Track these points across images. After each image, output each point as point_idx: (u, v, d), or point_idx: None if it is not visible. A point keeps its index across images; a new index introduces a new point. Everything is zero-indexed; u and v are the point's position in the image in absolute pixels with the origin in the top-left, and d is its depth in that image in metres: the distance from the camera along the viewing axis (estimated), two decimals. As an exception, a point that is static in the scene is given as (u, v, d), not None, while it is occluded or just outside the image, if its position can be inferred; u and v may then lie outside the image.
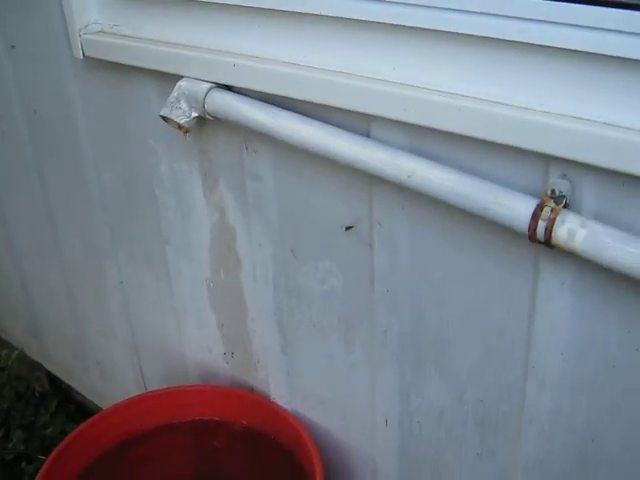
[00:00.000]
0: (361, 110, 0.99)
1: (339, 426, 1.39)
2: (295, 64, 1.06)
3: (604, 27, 0.78)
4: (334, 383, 1.34)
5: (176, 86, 1.18)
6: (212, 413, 1.55)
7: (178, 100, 1.18)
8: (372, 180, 1.06)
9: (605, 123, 0.82)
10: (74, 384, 2.23)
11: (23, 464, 2.10)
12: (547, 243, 0.86)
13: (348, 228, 1.13)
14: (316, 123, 1.04)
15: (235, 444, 1.56)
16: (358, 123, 1.03)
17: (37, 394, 2.29)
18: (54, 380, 2.33)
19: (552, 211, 0.85)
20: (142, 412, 1.55)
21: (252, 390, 1.54)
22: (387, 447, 1.31)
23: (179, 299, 1.56)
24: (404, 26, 0.93)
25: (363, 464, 1.39)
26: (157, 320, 1.67)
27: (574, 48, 0.81)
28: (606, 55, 0.80)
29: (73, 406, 2.32)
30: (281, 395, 1.47)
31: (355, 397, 1.32)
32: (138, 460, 1.58)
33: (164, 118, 1.20)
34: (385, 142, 1.01)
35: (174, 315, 1.60)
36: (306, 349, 1.35)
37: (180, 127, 1.20)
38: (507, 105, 0.87)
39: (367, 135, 1.03)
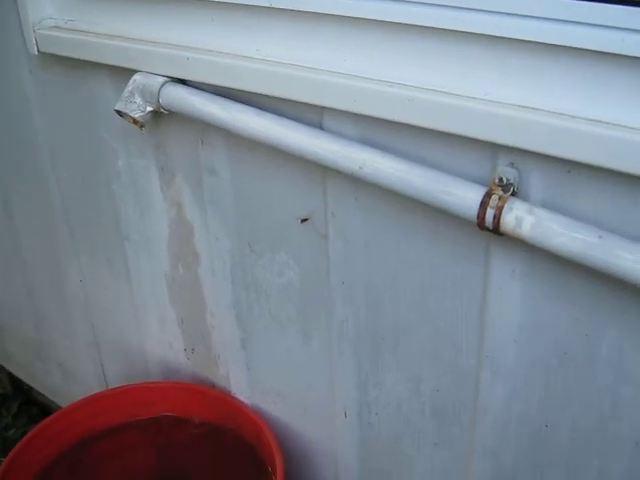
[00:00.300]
0: (313, 102, 1.00)
1: (299, 419, 1.40)
2: (248, 57, 1.06)
3: (548, 16, 0.80)
4: (293, 376, 1.35)
5: (130, 80, 1.18)
6: (173, 409, 1.54)
7: (132, 94, 1.17)
8: (325, 172, 1.07)
9: (550, 112, 0.83)
10: (36, 385, 2.21)
11: (-16, 466, 2.08)
12: (496, 231, 0.88)
13: (303, 220, 1.14)
14: (269, 116, 1.05)
15: (197, 440, 1.56)
16: (311, 115, 1.04)
17: (-2, 396, 2.28)
18: (15, 381, 2.31)
19: (500, 199, 0.87)
20: (103, 409, 1.54)
21: (213, 386, 1.54)
22: (347, 438, 1.32)
23: (139, 296, 1.56)
24: (353, 17, 0.94)
25: (323, 456, 1.40)
26: (118, 318, 1.67)
27: (520, 37, 0.83)
28: (552, 44, 0.81)
29: (35, 408, 2.31)
30: (241, 390, 1.47)
31: (314, 390, 1.33)
32: (99, 458, 1.57)
33: (119, 112, 1.20)
34: (337, 134, 1.01)
35: (134, 312, 1.60)
36: (265, 343, 1.35)
37: (135, 121, 1.19)
38: (454, 95, 0.88)
39: (320, 127, 1.04)
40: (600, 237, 0.82)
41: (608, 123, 0.80)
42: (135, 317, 1.61)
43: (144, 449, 1.59)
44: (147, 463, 1.61)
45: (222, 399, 1.50)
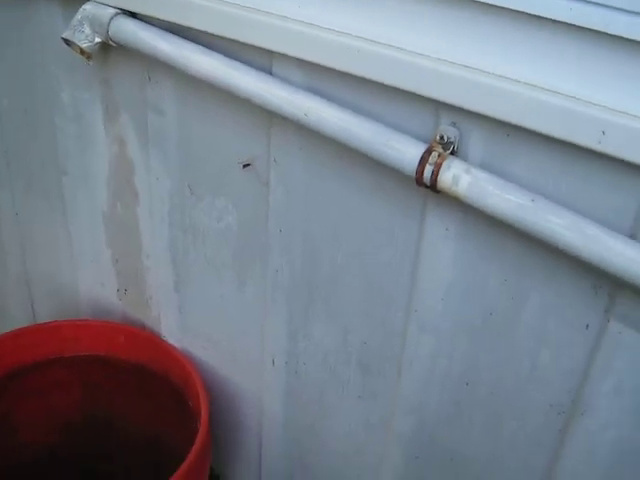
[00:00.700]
0: (263, 46, 1.00)
1: (228, 365, 1.41)
2: (202, -5, 1.05)
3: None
4: (225, 322, 1.35)
5: (80, 9, 1.15)
6: (102, 348, 1.53)
7: (82, 24, 1.15)
8: (271, 119, 1.07)
9: (494, 74, 0.85)
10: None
11: None
12: (433, 187, 0.89)
13: (245, 165, 1.14)
14: (218, 56, 1.04)
15: (124, 380, 1.55)
16: (261, 60, 1.03)
17: None
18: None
19: (439, 156, 0.88)
20: (29, 344, 1.52)
21: (144, 327, 1.54)
22: (273, 387, 1.34)
23: (75, 232, 1.54)
24: (308, -37, 0.94)
25: (250, 403, 1.42)
26: (51, 254, 1.64)
27: (470, -3, 0.84)
28: (500, 7, 0.82)
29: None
30: (172, 333, 1.47)
31: (245, 337, 1.34)
32: (23, 393, 1.55)
33: (66, 41, 1.17)
34: (286, 80, 1.01)
35: (69, 249, 1.58)
36: (199, 287, 1.35)
37: (82, 52, 1.17)
38: (404, 50, 0.89)
39: (269, 72, 1.03)
40: (533, 200, 0.84)
41: (549, 90, 0.82)
42: (69, 254, 1.59)
43: (70, 386, 1.58)
44: (72, 400, 1.59)
45: (152, 341, 1.50)
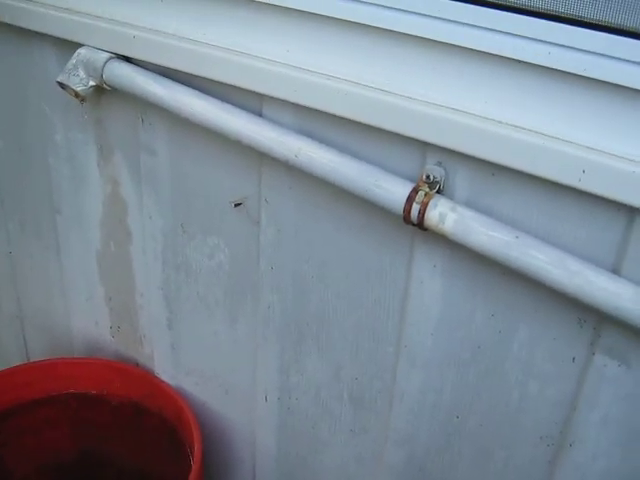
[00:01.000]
0: (254, 89, 1.02)
1: (221, 401, 1.42)
2: (194, 40, 1.08)
3: (479, 24, 0.84)
4: (217, 358, 1.37)
5: (75, 53, 1.18)
6: (95, 387, 1.54)
7: (76, 67, 1.18)
8: (262, 158, 1.10)
9: (480, 116, 0.88)
10: (-45, 357, 2.17)
11: None
12: (420, 225, 0.92)
13: (237, 205, 1.16)
14: (210, 99, 1.06)
15: (118, 418, 1.56)
16: (251, 102, 1.06)
17: None
18: None
19: (425, 195, 0.91)
20: (22, 383, 1.52)
21: (137, 365, 1.55)
22: (266, 422, 1.35)
23: (68, 271, 1.55)
24: (297, 10, 0.97)
25: (243, 438, 1.42)
26: (44, 292, 1.66)
27: (453, 42, 0.87)
28: (484, 52, 0.85)
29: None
30: (165, 370, 1.48)
31: (237, 373, 1.35)
32: (16, 432, 1.55)
33: (61, 85, 1.20)
34: (275, 122, 1.04)
35: (62, 287, 1.59)
36: (192, 324, 1.37)
37: (77, 95, 1.20)
38: (391, 93, 0.92)
39: (259, 114, 1.06)
40: (517, 237, 0.87)
41: (531, 130, 0.85)
42: (62, 292, 1.61)
43: (63, 424, 1.58)
44: (66, 439, 1.60)
45: (145, 378, 1.50)
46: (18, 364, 1.57)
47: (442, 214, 0.89)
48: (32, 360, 1.81)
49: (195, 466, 1.28)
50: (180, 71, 1.10)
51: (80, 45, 1.19)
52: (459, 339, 1.03)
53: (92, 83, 1.18)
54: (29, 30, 1.27)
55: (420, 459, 1.17)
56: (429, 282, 1.01)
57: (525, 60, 0.83)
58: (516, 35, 0.82)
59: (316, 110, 0.98)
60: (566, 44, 0.80)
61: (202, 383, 1.43)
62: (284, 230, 1.13)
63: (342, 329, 1.15)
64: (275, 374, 1.28)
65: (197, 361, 1.41)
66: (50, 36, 1.25)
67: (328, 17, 0.96)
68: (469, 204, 0.92)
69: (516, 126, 0.86)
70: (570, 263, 0.84)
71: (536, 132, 0.84)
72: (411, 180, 0.93)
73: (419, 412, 1.12)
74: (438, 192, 0.92)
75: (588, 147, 0.82)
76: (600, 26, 0.79)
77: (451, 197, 0.93)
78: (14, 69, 1.39)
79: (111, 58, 1.16)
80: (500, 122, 0.87)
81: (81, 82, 1.19)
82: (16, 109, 1.44)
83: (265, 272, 1.19)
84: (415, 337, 1.06)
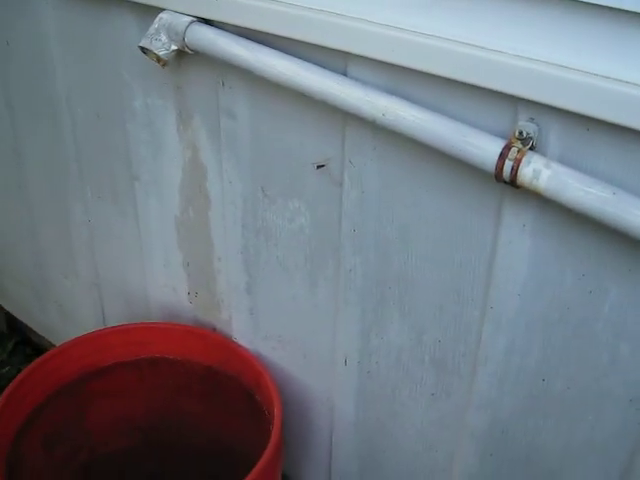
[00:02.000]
0: (339, 47, 1.01)
1: (299, 366, 1.43)
2: (276, 0, 1.07)
3: (580, -27, 0.82)
4: (296, 323, 1.37)
5: (157, 18, 1.19)
6: (173, 351, 1.56)
7: (158, 32, 1.18)
8: (345, 119, 1.09)
9: (574, 68, 0.85)
10: (32, 324, 2.23)
11: (-21, 401, 2.11)
12: (512, 183, 0.90)
13: (319, 167, 1.16)
14: (293, 59, 1.06)
15: (195, 383, 1.58)
16: (335, 62, 1.05)
17: (-6, 334, 2.30)
18: (12, 320, 2.33)
19: (519, 152, 0.89)
20: (101, 348, 1.55)
21: (215, 330, 1.56)
22: (345, 386, 1.35)
23: (146, 237, 1.58)
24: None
25: (321, 403, 1.43)
26: (122, 259, 1.69)
27: (549, -7, 0.85)
28: (581, 2, 0.83)
29: (30, 348, 2.33)
30: (243, 335, 1.50)
31: (316, 337, 1.35)
32: (95, 395, 1.58)
33: (143, 49, 1.21)
34: (360, 81, 1.03)
35: (140, 254, 1.62)
36: (270, 289, 1.38)
37: (159, 59, 1.20)
38: (480, 47, 0.90)
39: (344, 74, 1.05)
40: (614, 194, 0.84)
41: (629, 82, 0.82)
42: (140, 259, 1.63)
43: (141, 389, 1.61)
44: (144, 403, 1.63)
45: (223, 343, 1.52)
46: (97, 329, 1.60)
47: (536, 170, 0.87)
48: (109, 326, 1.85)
49: (275, 431, 1.29)
50: (262, 32, 1.10)
51: (161, 10, 1.20)
52: (547, 300, 1.01)
53: (174, 47, 1.19)
54: (109, -3, 1.29)
55: (503, 423, 1.15)
56: (518, 242, 1.00)
57: (621, 7, 0.80)
58: (616, -19, 0.80)
59: (403, 68, 0.97)
60: (670, -10, 0.77)
61: (280, 348, 1.44)
62: (367, 192, 1.12)
63: (425, 292, 1.14)
64: (355, 338, 1.28)
65: (275, 326, 1.42)
66: (129, 1, 1.26)
67: (415, -28, 0.94)
68: (563, 161, 0.89)
69: (611, 77, 0.83)
70: (671, 220, 0.82)
71: (633, 83, 0.82)
72: (502, 137, 0.92)
73: (503, 375, 1.11)
74: (531, 149, 0.90)
75: (691, 98, 0.79)
76: None
77: (544, 154, 0.91)
78: (93, 37, 1.41)
79: (193, 22, 1.16)
80: (595, 74, 0.84)
81: (163, 46, 1.19)
82: (94, 76, 1.46)
83: (347, 235, 1.18)
84: (501, 298, 1.05)
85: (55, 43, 1.48)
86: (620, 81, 0.83)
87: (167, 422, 1.64)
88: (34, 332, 2.26)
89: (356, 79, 1.04)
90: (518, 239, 1.00)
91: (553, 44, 0.87)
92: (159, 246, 1.56)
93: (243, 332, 1.49)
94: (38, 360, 1.50)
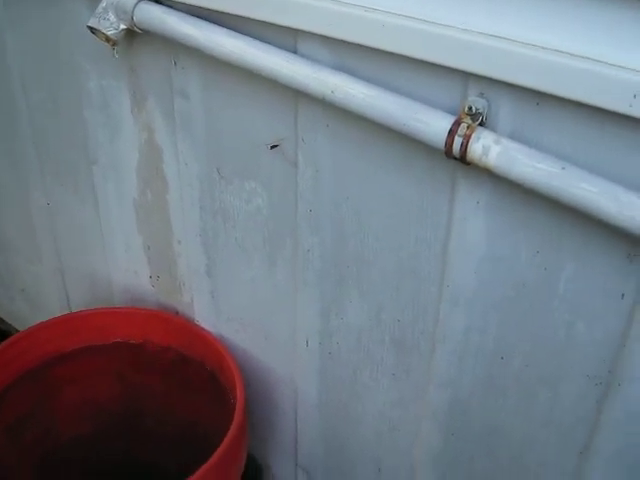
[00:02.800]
0: (287, 24, 1.00)
1: (261, 348, 1.42)
2: (224, -23, 1.06)
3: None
4: (257, 304, 1.36)
5: (104, -3, 1.16)
6: (136, 336, 1.55)
7: (106, 11, 1.16)
8: (297, 98, 1.07)
9: (523, 42, 0.84)
10: (-1, 312, 2.21)
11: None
12: (462, 159, 0.89)
13: (273, 147, 1.14)
14: (243, 37, 1.04)
15: (159, 367, 1.57)
16: (285, 39, 1.03)
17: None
18: (-23, 308, 2.30)
19: (468, 127, 0.88)
20: (65, 333, 1.54)
21: (177, 313, 1.55)
22: (307, 367, 1.34)
23: (106, 221, 1.56)
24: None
25: (284, 384, 1.42)
26: (84, 243, 1.67)
27: (495, -35, 0.83)
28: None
29: (-2, 336, 2.31)
30: (205, 318, 1.48)
31: (277, 318, 1.34)
32: (60, 380, 1.57)
33: (92, 29, 1.18)
34: (311, 59, 1.01)
35: (101, 238, 1.60)
36: (230, 271, 1.36)
37: (108, 39, 1.18)
38: (429, 22, 0.88)
39: (294, 51, 1.03)
40: (563, 168, 0.83)
41: (579, 56, 0.81)
42: (101, 243, 1.61)
43: (105, 373, 1.60)
44: (109, 387, 1.62)
45: (185, 326, 1.51)
46: (60, 314, 1.58)
47: (485, 146, 0.86)
48: (74, 311, 1.83)
49: (238, 412, 1.29)
50: (211, 10, 1.08)
51: (110, -12, 1.17)
52: (503, 277, 1.00)
53: (123, 26, 1.16)
54: (59, -25, 1.26)
55: (464, 402, 1.15)
56: (472, 219, 0.99)
57: (570, -19, 0.79)
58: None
59: (352, 44, 0.95)
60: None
61: (242, 330, 1.43)
62: (321, 171, 1.11)
63: (383, 270, 1.13)
64: (315, 318, 1.27)
65: (237, 308, 1.41)
66: (80, -19, 1.23)
67: (362, -54, 0.92)
68: (513, 136, 0.88)
69: (561, 51, 0.82)
70: (620, 194, 0.80)
71: (582, 57, 0.80)
72: (452, 113, 0.90)
73: (462, 353, 1.11)
74: (481, 124, 0.89)
75: (639, 70, 0.78)
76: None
77: (494, 129, 0.89)
78: (45, 18, 1.38)
79: (141, 0, 1.14)
80: (544, 48, 0.83)
81: (112, 26, 1.17)
82: (48, 59, 1.43)
83: (303, 215, 1.17)
84: (458, 276, 1.04)
85: (6, 27, 1.45)
86: (570, 54, 0.81)
87: (132, 406, 1.63)
88: (1, 320, 2.23)
89: (306, 56, 1.02)
90: (472, 216, 0.99)
91: (501, 17, 0.86)
92: (119, 230, 1.54)
93: (205, 315, 1.48)
94: (0, 346, 1.48)
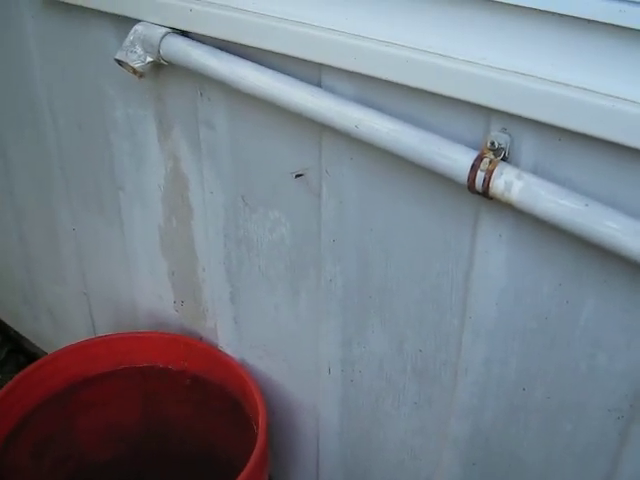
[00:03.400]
0: (312, 59, 1.01)
1: (284, 375, 1.43)
2: (250, 12, 1.07)
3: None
4: (280, 332, 1.37)
5: (132, 30, 1.18)
6: (160, 360, 1.56)
7: (133, 44, 1.18)
8: (322, 130, 1.08)
9: (546, 79, 0.85)
10: (23, 331, 2.23)
11: (-29, 409, 2.11)
12: (485, 194, 0.89)
13: (298, 175, 1.15)
14: (268, 71, 1.05)
15: (182, 392, 1.58)
16: (309, 72, 1.05)
17: (-15, 343, 2.30)
18: (3, 328, 2.33)
19: (490, 163, 0.88)
20: (89, 357, 1.56)
21: (201, 339, 1.56)
22: (329, 395, 1.35)
23: (131, 246, 1.57)
24: (355, -24, 0.95)
25: (306, 411, 1.43)
26: (109, 268, 1.69)
27: (517, 4, 0.84)
28: (548, 12, 0.82)
29: (23, 356, 2.33)
30: (228, 344, 1.50)
31: (299, 346, 1.35)
32: (84, 405, 1.59)
33: (119, 62, 1.21)
34: (335, 92, 1.03)
35: (126, 263, 1.62)
36: (253, 298, 1.37)
37: (135, 71, 1.20)
38: (452, 58, 0.90)
39: (318, 85, 1.05)
40: (587, 205, 0.84)
41: (601, 93, 0.81)
42: (126, 268, 1.63)
43: (129, 398, 1.61)
44: (132, 412, 1.63)
45: (209, 352, 1.52)
46: (85, 338, 1.60)
47: (508, 182, 0.87)
48: (98, 334, 1.84)
49: (260, 439, 1.29)
50: (237, 43, 1.09)
51: (137, 21, 1.19)
52: (525, 309, 1.01)
53: (149, 59, 1.18)
54: (87, 8, 1.28)
55: (485, 432, 1.15)
56: (494, 252, 0.99)
57: (594, 19, 0.80)
58: (584, -8, 0.79)
59: (376, 78, 0.96)
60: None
61: (265, 356, 1.44)
62: (345, 202, 1.12)
63: (405, 301, 1.14)
64: (338, 347, 1.28)
65: (260, 335, 1.42)
66: (108, 13, 1.26)
67: (387, -17, 0.94)
68: (535, 171, 0.89)
69: (584, 88, 0.83)
70: (642, 230, 0.81)
71: (605, 94, 0.81)
72: (475, 148, 0.91)
73: (484, 384, 1.11)
74: (503, 159, 0.89)
75: (661, 109, 0.79)
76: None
77: (517, 164, 0.90)
78: (73, 48, 1.40)
79: (168, 33, 1.16)
80: (567, 85, 0.83)
81: (139, 59, 1.19)
82: (76, 87, 1.46)
83: (327, 245, 1.18)
84: (480, 308, 1.05)
85: (36, 54, 1.48)
86: (592, 92, 0.82)
87: (154, 431, 1.64)
88: (27, 340, 2.26)
89: (330, 89, 1.03)
90: (495, 249, 0.99)
91: (524, 54, 0.87)
92: (144, 255, 1.56)
93: (228, 341, 1.49)
94: (26, 370, 1.51)
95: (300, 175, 1.15)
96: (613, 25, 0.79)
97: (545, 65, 0.86)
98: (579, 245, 0.91)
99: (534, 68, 0.86)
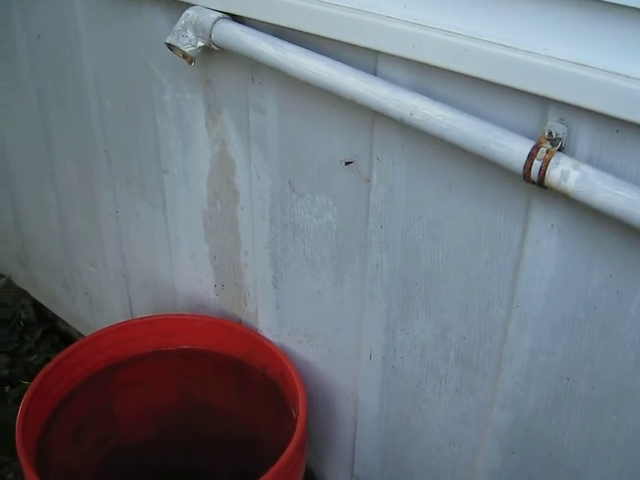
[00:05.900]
0: (368, 46, 1.02)
1: (324, 360, 1.44)
2: (305, -3, 1.08)
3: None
4: (322, 317, 1.38)
5: (183, 14, 1.19)
6: (199, 343, 1.58)
7: (185, 28, 1.19)
8: (374, 117, 1.09)
9: (605, 70, 0.85)
10: (60, 313, 2.26)
11: (7, 388, 2.14)
12: (540, 183, 0.90)
13: (347, 163, 1.16)
14: (322, 57, 1.06)
15: (220, 374, 1.59)
16: (365, 60, 1.05)
17: (22, 322, 2.32)
18: (40, 309, 2.36)
19: (547, 152, 0.89)
20: (129, 338, 1.57)
21: (240, 322, 1.57)
22: (369, 381, 1.36)
23: (173, 230, 1.59)
24: (417, -36, 0.96)
25: (345, 396, 1.44)
26: (149, 250, 1.70)
27: (580, -5, 0.85)
28: (609, 3, 0.83)
29: (57, 336, 2.36)
30: (269, 328, 1.51)
31: (341, 332, 1.36)
32: (123, 386, 1.60)
33: (169, 46, 1.22)
34: (390, 79, 1.03)
35: (167, 246, 1.63)
36: (297, 283, 1.39)
37: (185, 56, 1.21)
38: (512, 48, 0.90)
39: (373, 72, 1.05)
40: (643, 196, 0.84)
41: (661, 85, 0.82)
42: (167, 251, 1.64)
43: (168, 379, 1.63)
44: (170, 394, 1.65)
45: (248, 335, 1.53)
46: (123, 320, 1.62)
47: (564, 172, 0.87)
48: (135, 317, 1.86)
49: (299, 424, 1.30)
50: (291, 29, 1.10)
51: (189, 5, 1.20)
52: (574, 300, 1.01)
53: (200, 44, 1.19)
54: (140, -8, 1.30)
55: (527, 421, 1.16)
56: (545, 242, 1.00)
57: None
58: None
59: (433, 67, 0.97)
60: None
61: (305, 341, 1.45)
62: (395, 188, 1.13)
63: (451, 289, 1.14)
64: (380, 333, 1.28)
65: (301, 320, 1.43)
66: (160, -3, 1.27)
67: (445, -29, 0.94)
68: (592, 162, 0.89)
69: (643, 80, 0.83)
70: (701, 223, 0.81)
71: (667, 87, 0.81)
72: (531, 138, 0.92)
73: (528, 373, 1.11)
74: (560, 150, 0.90)
75: None
76: None
77: (573, 155, 0.90)
78: (124, 31, 1.42)
79: (220, 18, 1.17)
80: (626, 76, 0.84)
81: (190, 43, 1.20)
82: (125, 70, 1.47)
83: (374, 231, 1.19)
84: (528, 297, 1.05)
85: (85, 36, 1.50)
86: (652, 83, 0.82)
87: (193, 412, 1.66)
88: (62, 320, 2.29)
89: (385, 77, 1.04)
90: (546, 239, 1.00)
91: (584, 45, 0.87)
92: (186, 239, 1.57)
93: (269, 325, 1.50)
94: (66, 351, 1.52)
95: (350, 163, 1.16)
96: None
97: (603, 55, 0.86)
98: (632, 236, 0.91)
99: (593, 59, 0.86)
